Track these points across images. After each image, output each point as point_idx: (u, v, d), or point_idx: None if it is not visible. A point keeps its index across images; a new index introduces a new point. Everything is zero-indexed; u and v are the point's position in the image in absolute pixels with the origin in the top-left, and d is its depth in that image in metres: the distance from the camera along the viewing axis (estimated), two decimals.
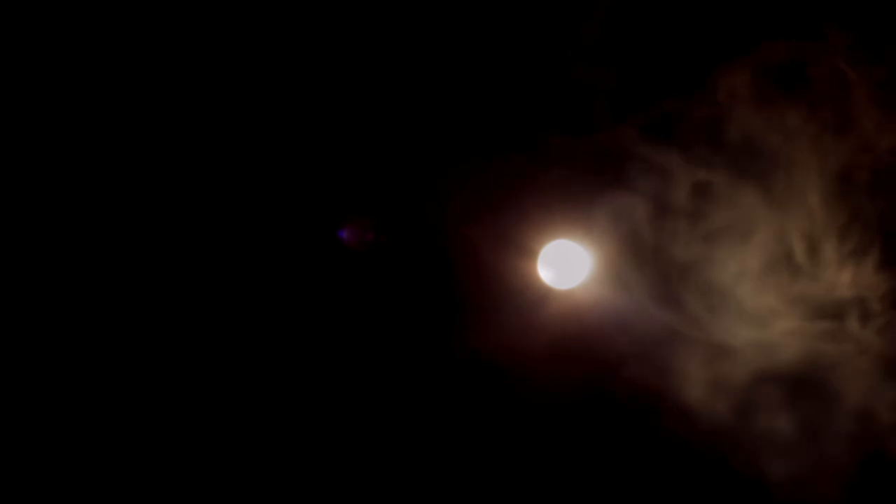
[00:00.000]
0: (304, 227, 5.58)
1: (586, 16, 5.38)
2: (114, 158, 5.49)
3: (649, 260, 5.40)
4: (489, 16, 5.42)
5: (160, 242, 5.53)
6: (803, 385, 5.40)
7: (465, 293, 5.57)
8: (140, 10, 5.40)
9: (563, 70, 5.43)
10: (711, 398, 5.43)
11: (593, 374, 5.52)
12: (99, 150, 5.48)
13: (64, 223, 5.49)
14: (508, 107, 5.48)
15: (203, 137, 5.50)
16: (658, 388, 5.46)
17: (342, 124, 5.53)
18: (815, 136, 5.17)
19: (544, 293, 5.49)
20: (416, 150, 5.53)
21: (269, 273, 5.59)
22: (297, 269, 5.60)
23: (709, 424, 5.45)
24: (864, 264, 5.25)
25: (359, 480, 5.64)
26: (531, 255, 5.48)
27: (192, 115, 5.48)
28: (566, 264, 5.46)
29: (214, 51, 5.45)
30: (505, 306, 5.51)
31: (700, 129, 5.35)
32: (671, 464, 5.54)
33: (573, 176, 5.42)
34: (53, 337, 5.50)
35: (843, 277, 5.25)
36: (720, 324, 5.40)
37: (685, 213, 5.36)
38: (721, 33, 5.34)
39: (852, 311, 5.30)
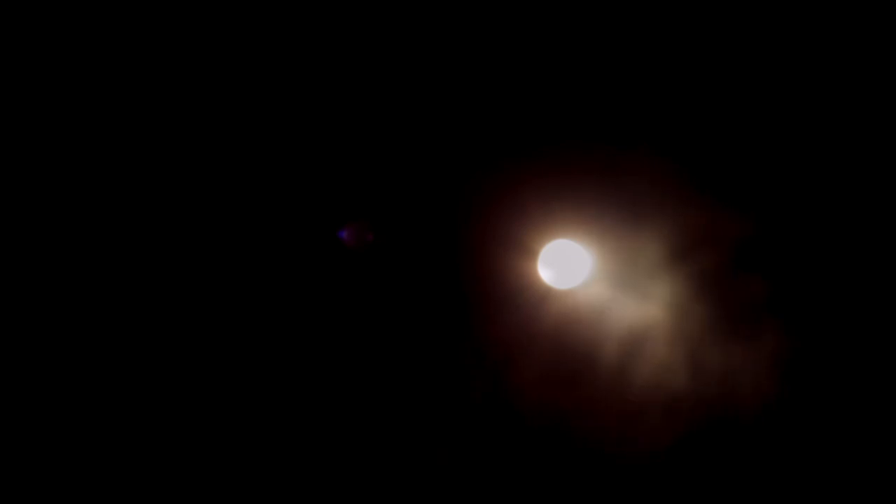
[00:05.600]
0: (303, 227, 5.58)
1: (589, 17, 5.39)
2: (113, 158, 5.50)
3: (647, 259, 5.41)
4: (489, 16, 5.43)
5: (159, 242, 5.53)
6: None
7: (465, 293, 5.57)
8: (140, 9, 5.41)
9: (563, 70, 5.43)
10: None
11: (593, 374, 5.52)
12: (98, 150, 5.49)
13: (63, 223, 5.49)
14: (508, 107, 5.48)
15: (203, 137, 5.51)
16: (657, 387, 5.46)
17: (342, 125, 5.54)
18: None
19: (544, 293, 5.49)
20: (416, 151, 5.54)
21: (268, 273, 5.59)
22: (294, 268, 5.60)
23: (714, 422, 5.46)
24: None
25: (357, 480, 5.63)
26: (531, 254, 5.48)
27: (192, 116, 5.49)
28: (566, 264, 5.46)
29: (215, 50, 5.46)
30: (505, 306, 5.51)
31: (701, 129, 5.36)
32: (670, 463, 5.54)
33: (573, 176, 5.43)
34: (52, 337, 5.50)
35: None
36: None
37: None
38: (720, 35, 5.36)
39: None
